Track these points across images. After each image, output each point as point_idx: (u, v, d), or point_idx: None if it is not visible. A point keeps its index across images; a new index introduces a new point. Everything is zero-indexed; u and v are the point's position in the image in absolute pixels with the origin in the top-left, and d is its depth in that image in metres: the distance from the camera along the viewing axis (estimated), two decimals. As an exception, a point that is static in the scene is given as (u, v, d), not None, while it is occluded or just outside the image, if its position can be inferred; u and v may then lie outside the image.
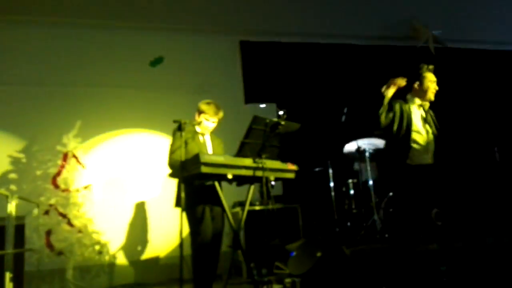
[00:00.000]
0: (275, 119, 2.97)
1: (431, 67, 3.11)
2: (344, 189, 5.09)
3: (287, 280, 3.33)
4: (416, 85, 3.08)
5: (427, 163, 2.98)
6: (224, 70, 5.83)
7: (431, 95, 3.06)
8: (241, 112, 5.54)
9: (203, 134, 3.34)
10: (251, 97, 5.81)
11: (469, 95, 6.71)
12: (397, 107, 2.99)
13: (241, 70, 5.93)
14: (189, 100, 5.10)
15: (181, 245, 2.62)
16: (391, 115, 2.96)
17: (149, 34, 5.58)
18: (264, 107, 4.98)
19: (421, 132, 3.00)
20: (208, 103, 3.31)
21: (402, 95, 3.14)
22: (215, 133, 3.43)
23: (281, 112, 3.01)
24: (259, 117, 2.88)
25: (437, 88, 3.07)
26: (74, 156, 4.52)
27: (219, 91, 5.42)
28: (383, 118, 2.91)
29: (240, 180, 3.13)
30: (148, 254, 4.97)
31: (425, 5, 6.78)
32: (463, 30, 6.87)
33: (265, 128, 2.91)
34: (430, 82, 3.06)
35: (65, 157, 4.46)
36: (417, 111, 3.07)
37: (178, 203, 3.16)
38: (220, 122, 3.38)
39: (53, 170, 4.45)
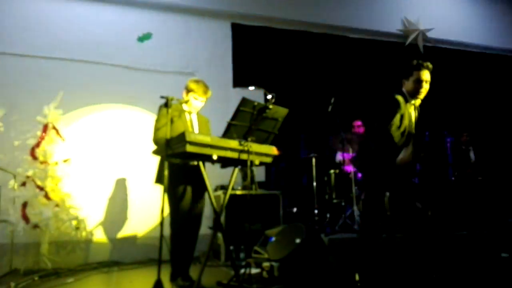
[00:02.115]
0: (263, 103, 2.94)
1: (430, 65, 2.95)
2: (325, 179, 5.14)
3: (266, 264, 3.36)
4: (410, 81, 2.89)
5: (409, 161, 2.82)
6: (213, 52, 5.74)
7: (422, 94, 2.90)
8: (228, 95, 5.51)
9: (190, 113, 3.28)
10: (239, 80, 5.75)
11: (453, 96, 6.83)
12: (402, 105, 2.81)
13: (231, 53, 5.85)
14: (175, 80, 5.05)
15: (161, 224, 2.58)
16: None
17: (139, 10, 5.43)
18: (252, 91, 4.92)
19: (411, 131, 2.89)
20: (197, 81, 3.26)
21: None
22: (201, 112, 3.39)
23: (269, 96, 2.97)
24: (247, 100, 2.85)
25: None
26: (54, 128, 4.40)
27: (207, 72, 5.35)
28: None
29: (224, 162, 3.10)
30: (126, 232, 4.92)
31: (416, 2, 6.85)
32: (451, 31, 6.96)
33: (253, 111, 2.88)
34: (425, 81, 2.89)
35: (45, 128, 4.34)
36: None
37: (158, 180, 3.13)
38: (206, 102, 3.33)
39: (32, 141, 4.31)
